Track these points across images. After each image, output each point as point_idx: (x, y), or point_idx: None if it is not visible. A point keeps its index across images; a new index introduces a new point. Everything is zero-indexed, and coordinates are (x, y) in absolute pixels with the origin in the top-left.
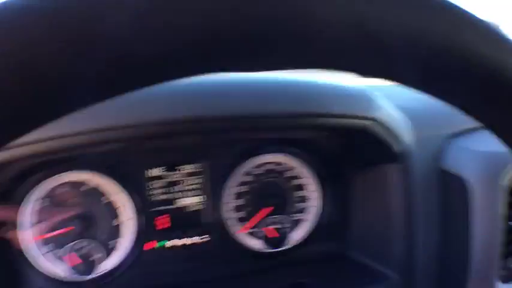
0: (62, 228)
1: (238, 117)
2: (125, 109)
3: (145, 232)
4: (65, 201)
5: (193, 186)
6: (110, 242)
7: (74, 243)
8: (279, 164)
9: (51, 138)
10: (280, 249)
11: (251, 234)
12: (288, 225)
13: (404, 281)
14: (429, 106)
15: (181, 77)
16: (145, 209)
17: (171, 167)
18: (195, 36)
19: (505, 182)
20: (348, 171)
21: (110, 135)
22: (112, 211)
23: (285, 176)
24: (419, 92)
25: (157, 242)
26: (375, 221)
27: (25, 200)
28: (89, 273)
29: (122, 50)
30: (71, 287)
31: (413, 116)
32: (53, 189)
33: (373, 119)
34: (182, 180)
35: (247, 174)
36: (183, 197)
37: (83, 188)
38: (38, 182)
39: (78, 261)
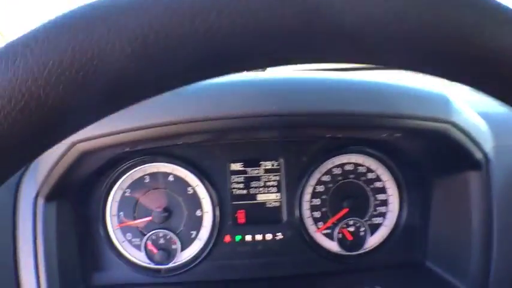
0: (143, 217)
1: (320, 114)
2: (213, 103)
3: (223, 225)
4: (149, 191)
5: (272, 183)
6: (191, 232)
7: (153, 232)
8: (358, 165)
9: (145, 128)
10: (355, 253)
11: (326, 235)
12: (364, 229)
13: None
14: (509, 115)
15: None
16: (225, 202)
17: (252, 163)
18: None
19: None
20: (427, 177)
21: (199, 126)
22: (195, 202)
23: (364, 178)
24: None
25: (234, 235)
26: (453, 230)
27: (111, 188)
28: (166, 263)
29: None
30: (149, 273)
31: (493, 123)
32: (138, 180)
33: (453, 123)
34: (261, 176)
35: (326, 173)
36: (261, 193)
37: (168, 179)
38: (124, 172)
39: (156, 250)
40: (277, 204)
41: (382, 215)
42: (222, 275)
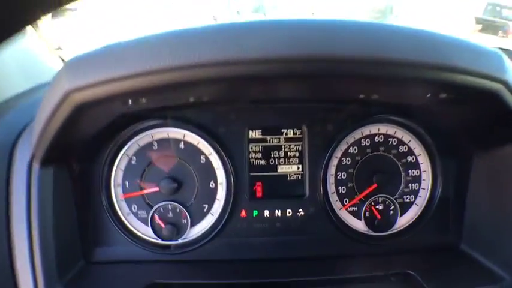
0: (150, 188)
1: (358, 60)
2: (232, 44)
3: (238, 198)
4: (157, 160)
5: (293, 153)
6: (203, 205)
7: (160, 205)
8: (389, 136)
9: (147, 73)
10: (383, 233)
11: (352, 213)
12: (394, 207)
13: None
14: None
15: None
16: (241, 174)
17: (272, 130)
18: None
19: None
20: (466, 150)
21: (212, 72)
22: (209, 172)
23: (395, 151)
24: None
25: (251, 210)
26: (493, 211)
27: (116, 155)
28: (175, 239)
29: None
30: (155, 250)
31: None
32: (145, 146)
33: (506, 84)
34: (282, 145)
35: (353, 144)
36: (281, 164)
37: (179, 146)
38: (130, 137)
39: (164, 225)
40: (299, 177)
41: (414, 192)
42: (236, 253)
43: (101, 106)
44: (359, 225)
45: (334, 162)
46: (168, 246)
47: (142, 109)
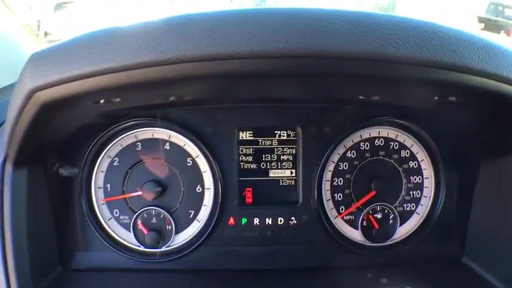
0: (133, 191)
1: (358, 56)
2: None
3: (227, 205)
4: (141, 162)
5: (287, 157)
6: (189, 211)
7: (144, 210)
8: (390, 140)
9: (112, 70)
10: (381, 244)
11: (348, 222)
12: (393, 216)
13: None
14: None
15: None
16: (230, 178)
17: (264, 131)
18: None
19: None
20: (473, 156)
21: (190, 69)
22: (195, 176)
23: (396, 155)
24: None
25: (240, 218)
26: (499, 223)
27: (97, 156)
28: (158, 246)
29: None
30: (137, 257)
31: None
32: (128, 147)
33: None
34: (275, 148)
35: (351, 148)
36: (273, 168)
37: (164, 148)
38: (112, 137)
39: (147, 231)
40: (292, 182)
41: (415, 200)
42: (223, 263)
43: (71, 105)
44: (355, 235)
45: (331, 167)
46: (151, 254)
47: (122, 108)
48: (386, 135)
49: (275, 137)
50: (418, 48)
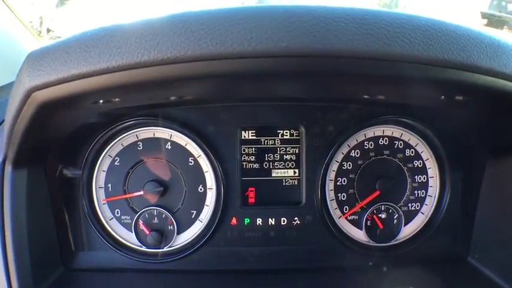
0: (135, 191)
1: (362, 55)
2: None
3: (229, 205)
4: (142, 161)
5: (290, 156)
6: (191, 211)
7: (145, 210)
8: (394, 139)
9: (110, 71)
10: (385, 244)
11: (352, 222)
12: (398, 216)
13: None
14: None
15: None
16: (232, 178)
17: (266, 131)
18: None
19: None
20: (479, 156)
21: (190, 68)
22: (197, 176)
23: (401, 155)
24: None
25: (242, 218)
26: (505, 222)
27: (98, 156)
28: (160, 247)
29: None
30: (139, 258)
31: None
32: (130, 147)
33: None
34: (277, 147)
35: (355, 147)
36: (276, 168)
37: (165, 147)
38: (113, 137)
39: (148, 231)
40: (295, 182)
41: (420, 200)
42: (226, 264)
43: (70, 105)
44: (359, 235)
45: (334, 166)
46: (153, 254)
47: (122, 108)
48: (390, 134)
49: (278, 136)
50: (425, 47)
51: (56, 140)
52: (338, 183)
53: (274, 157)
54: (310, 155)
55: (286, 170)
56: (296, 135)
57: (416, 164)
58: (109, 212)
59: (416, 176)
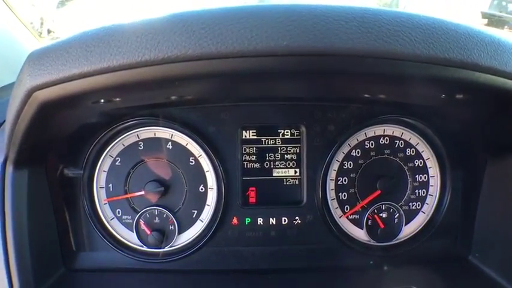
0: (136, 191)
1: (363, 54)
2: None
3: (230, 204)
4: (143, 161)
5: (290, 156)
6: (192, 211)
7: (146, 210)
8: (395, 138)
9: (111, 70)
10: (386, 243)
11: (353, 221)
12: (399, 215)
13: None
14: None
15: None
16: (233, 177)
17: (267, 130)
18: None
19: None
20: (479, 155)
21: (189, 68)
22: (198, 176)
23: (402, 154)
24: None
25: (243, 217)
26: (507, 221)
27: (99, 156)
28: (161, 246)
29: None
30: (140, 257)
31: None
32: (131, 147)
33: None
34: (278, 147)
35: (356, 147)
36: (277, 168)
37: (166, 147)
38: (114, 137)
39: (149, 231)
40: (296, 181)
41: (421, 199)
42: (226, 264)
43: (71, 105)
44: (360, 234)
45: (335, 166)
46: (154, 254)
47: (122, 107)
48: (391, 134)
49: (279, 136)
50: (425, 45)
51: (57, 140)
52: (339, 183)
53: (275, 157)
54: (311, 155)
55: (287, 170)
56: (297, 135)
57: (417, 164)
58: (110, 212)
59: (417, 176)
